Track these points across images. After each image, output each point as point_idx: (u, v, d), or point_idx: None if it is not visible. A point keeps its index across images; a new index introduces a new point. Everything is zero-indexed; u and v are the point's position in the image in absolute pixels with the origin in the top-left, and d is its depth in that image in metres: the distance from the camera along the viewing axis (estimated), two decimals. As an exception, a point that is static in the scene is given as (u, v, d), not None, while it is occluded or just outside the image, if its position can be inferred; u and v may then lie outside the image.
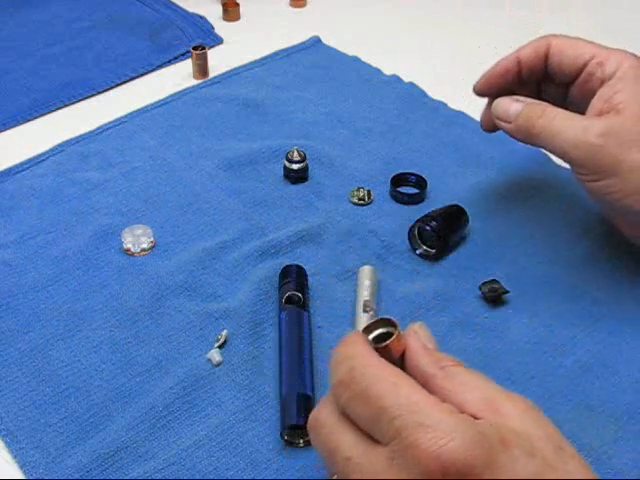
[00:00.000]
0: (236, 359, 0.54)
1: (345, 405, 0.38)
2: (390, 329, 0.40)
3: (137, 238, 0.62)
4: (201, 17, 0.92)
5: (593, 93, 0.54)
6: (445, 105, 0.78)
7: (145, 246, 0.62)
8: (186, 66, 0.83)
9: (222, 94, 0.79)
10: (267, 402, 0.51)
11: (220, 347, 0.54)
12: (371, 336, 0.40)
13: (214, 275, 0.60)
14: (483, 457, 0.34)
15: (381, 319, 0.40)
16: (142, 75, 0.83)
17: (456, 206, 0.63)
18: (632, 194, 0.52)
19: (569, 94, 0.59)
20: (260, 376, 0.53)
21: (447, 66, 0.85)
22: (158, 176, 0.69)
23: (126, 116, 0.76)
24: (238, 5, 0.93)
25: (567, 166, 0.56)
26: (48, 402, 0.51)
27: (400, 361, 0.39)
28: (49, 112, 0.77)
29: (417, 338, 0.40)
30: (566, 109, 0.55)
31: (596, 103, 0.54)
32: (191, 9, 0.93)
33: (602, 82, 0.54)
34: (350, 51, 0.86)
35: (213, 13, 0.93)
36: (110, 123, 0.75)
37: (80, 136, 0.74)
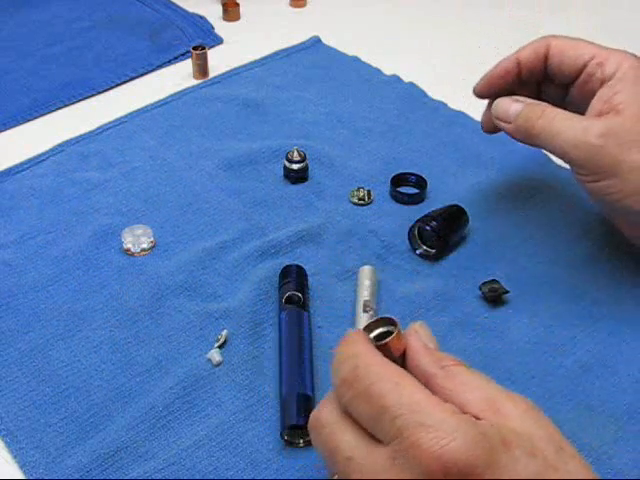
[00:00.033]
0: (236, 359, 0.54)
1: (347, 404, 0.38)
2: (390, 328, 0.40)
3: (137, 238, 0.62)
4: (201, 17, 0.92)
5: (593, 94, 0.54)
6: (445, 105, 0.78)
7: (145, 246, 0.62)
8: (186, 66, 0.83)
9: (222, 94, 0.79)
10: (267, 402, 0.51)
11: (220, 347, 0.54)
12: (371, 335, 0.40)
13: (214, 275, 0.60)
14: (484, 457, 0.34)
15: (381, 318, 0.41)
16: (142, 75, 0.83)
17: (456, 206, 0.63)
18: (632, 194, 0.52)
19: (569, 94, 0.59)
20: (260, 376, 0.53)
21: (447, 66, 0.85)
22: (158, 176, 0.69)
23: (126, 116, 0.76)
24: (238, 5, 0.93)
25: (567, 166, 0.56)
26: (48, 402, 0.51)
27: (401, 360, 0.39)
28: (49, 112, 0.77)
29: (418, 337, 0.40)
30: (566, 109, 0.55)
31: (596, 104, 0.54)
32: (191, 9, 0.93)
33: (602, 83, 0.54)
34: (350, 51, 0.86)
35: (213, 13, 0.93)
36: (110, 123, 0.75)
37: (80, 136, 0.74)
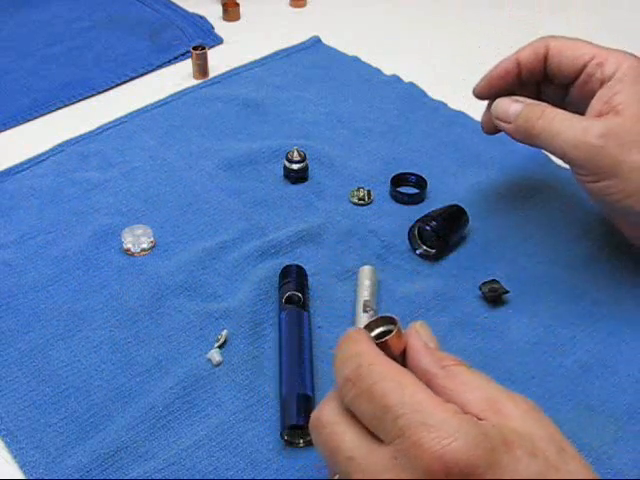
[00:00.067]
0: (236, 359, 0.54)
1: (350, 403, 0.38)
2: (390, 327, 0.40)
3: (137, 238, 0.62)
4: (201, 17, 0.92)
5: (593, 94, 0.54)
6: (445, 105, 0.78)
7: (145, 246, 0.62)
8: (186, 66, 0.83)
9: (222, 94, 0.79)
10: (267, 402, 0.51)
11: (220, 347, 0.54)
12: (372, 334, 0.40)
13: (214, 275, 0.60)
14: (486, 457, 0.34)
15: (381, 317, 0.41)
16: (142, 75, 0.83)
17: (456, 206, 0.63)
18: (632, 195, 0.52)
19: (569, 95, 0.59)
20: (260, 376, 0.53)
21: (447, 66, 0.85)
22: (158, 176, 0.69)
23: (126, 116, 0.76)
24: (238, 5, 0.93)
25: (567, 166, 0.56)
26: (48, 402, 0.51)
27: (401, 358, 0.39)
28: (49, 112, 0.77)
29: (418, 337, 0.40)
30: (566, 110, 0.55)
31: (595, 104, 0.54)
32: (191, 9, 0.93)
33: (601, 83, 0.54)
34: (350, 51, 0.86)
35: (213, 13, 0.93)
36: (110, 123, 0.75)
37: (80, 136, 0.74)
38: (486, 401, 0.37)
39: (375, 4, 0.96)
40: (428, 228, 0.60)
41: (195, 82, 0.82)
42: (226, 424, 0.50)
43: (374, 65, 0.84)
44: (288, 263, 0.59)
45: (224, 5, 0.92)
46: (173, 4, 0.94)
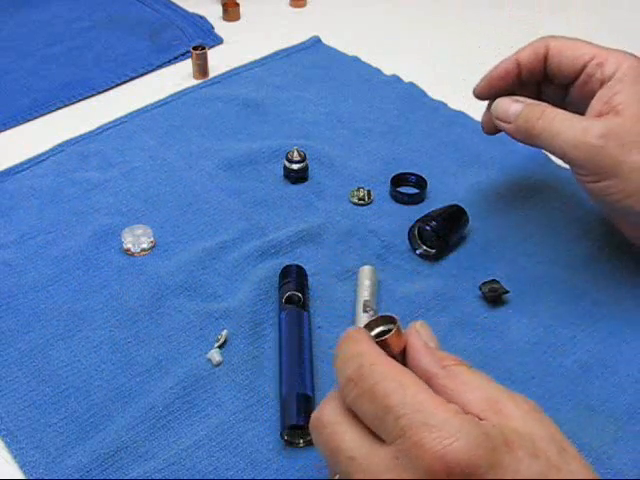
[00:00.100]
0: (236, 359, 0.54)
1: (352, 403, 0.38)
2: (390, 326, 0.40)
3: (137, 238, 0.62)
4: (201, 17, 0.92)
5: (593, 94, 0.54)
6: (445, 105, 0.78)
7: (145, 246, 0.62)
8: (186, 66, 0.83)
9: (222, 94, 0.79)
10: (267, 402, 0.51)
11: (220, 347, 0.54)
12: (372, 333, 0.40)
13: (214, 275, 0.60)
14: (487, 458, 0.34)
15: (381, 316, 0.41)
16: (142, 75, 0.83)
17: (456, 206, 0.63)
18: (632, 195, 0.52)
19: (569, 95, 0.59)
20: (260, 376, 0.53)
21: (447, 66, 0.85)
22: (158, 176, 0.69)
23: (126, 116, 0.76)
24: (238, 5, 0.93)
25: (567, 166, 0.56)
26: (48, 402, 0.51)
27: (401, 358, 0.39)
28: (49, 112, 0.77)
29: (419, 337, 0.40)
30: (566, 110, 0.55)
31: (595, 104, 0.54)
32: (191, 9, 0.93)
33: (601, 83, 0.54)
34: (350, 51, 0.86)
35: (213, 13, 0.93)
36: (110, 123, 0.75)
37: (80, 136, 0.74)
38: (487, 401, 0.37)
39: (375, 4, 0.96)
40: (428, 228, 0.60)
41: (195, 82, 0.82)
42: (226, 424, 0.50)
43: (374, 65, 0.84)
44: (288, 263, 0.59)
45: (224, 5, 0.92)
46: (173, 4, 0.94)
